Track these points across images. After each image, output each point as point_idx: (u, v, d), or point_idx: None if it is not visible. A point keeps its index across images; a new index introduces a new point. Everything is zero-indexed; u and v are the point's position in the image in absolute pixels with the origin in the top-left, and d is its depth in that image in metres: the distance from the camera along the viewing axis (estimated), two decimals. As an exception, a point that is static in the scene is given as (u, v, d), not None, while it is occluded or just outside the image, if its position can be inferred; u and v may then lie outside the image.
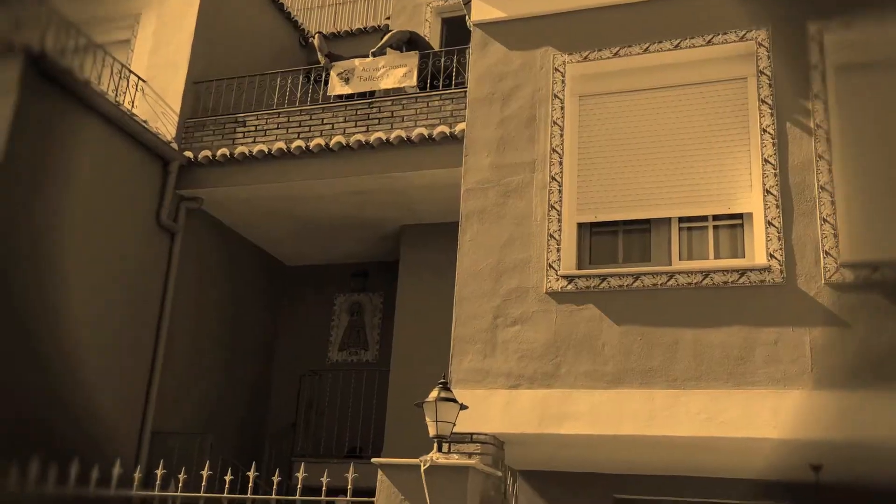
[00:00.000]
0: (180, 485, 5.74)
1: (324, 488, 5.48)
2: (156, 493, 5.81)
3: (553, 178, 6.80)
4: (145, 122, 10.18)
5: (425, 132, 9.33)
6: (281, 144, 9.94)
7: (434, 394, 5.43)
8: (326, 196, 10.29)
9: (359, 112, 9.96)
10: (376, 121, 9.81)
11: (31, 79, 8.58)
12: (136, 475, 6.00)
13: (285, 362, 12.08)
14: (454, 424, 5.48)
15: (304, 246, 11.98)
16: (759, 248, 6.22)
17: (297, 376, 11.51)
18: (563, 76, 7.06)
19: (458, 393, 5.87)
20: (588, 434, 6.16)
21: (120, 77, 10.57)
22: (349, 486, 5.41)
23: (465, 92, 7.87)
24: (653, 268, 6.44)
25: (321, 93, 10.71)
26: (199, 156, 10.28)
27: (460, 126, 8.81)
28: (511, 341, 6.53)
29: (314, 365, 11.69)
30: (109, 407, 9.26)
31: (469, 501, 5.10)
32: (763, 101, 6.45)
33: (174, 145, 10.38)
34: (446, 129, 9.24)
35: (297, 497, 5.54)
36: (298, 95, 10.59)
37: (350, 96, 10.36)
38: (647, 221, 6.78)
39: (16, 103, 8.37)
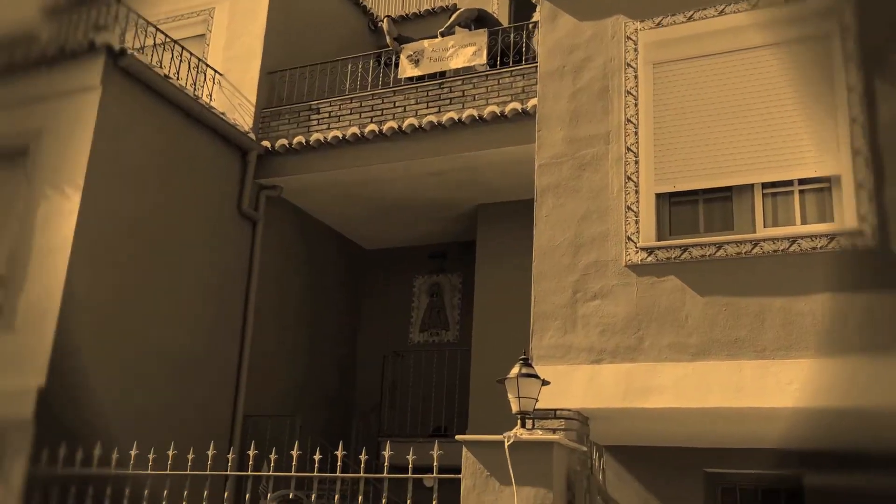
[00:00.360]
0: (272, 465, 5.90)
1: (410, 466, 5.55)
2: (249, 472, 5.99)
3: (629, 149, 6.67)
4: (223, 114, 10.42)
5: (497, 110, 9.27)
6: (355, 129, 10.04)
7: (515, 370, 5.42)
8: (402, 178, 10.36)
9: (430, 93, 9.97)
10: (448, 101, 9.80)
11: (113, 76, 8.88)
12: (230, 456, 6.19)
13: (368, 344, 12.27)
14: (537, 400, 5.47)
15: (381, 229, 12.11)
16: (848, 212, 5.98)
17: (380, 358, 11.67)
18: (636, 44, 6.90)
19: (540, 369, 5.84)
20: (674, 407, 6.05)
21: (197, 71, 10.85)
22: (435, 464, 5.46)
23: (536, 67, 7.78)
24: (736, 236, 6.27)
25: (392, 76, 10.76)
26: (276, 144, 10.49)
27: (532, 102, 8.73)
28: (592, 316, 6.46)
29: (397, 346, 11.83)
30: (204, 392, 9.59)
31: (554, 476, 5.09)
32: (848, 58, 6.17)
33: (252, 135, 10.60)
34: (518, 106, 9.16)
35: (384, 475, 5.63)
36: (370, 80, 10.67)
37: (421, 78, 10.37)
38: (729, 189, 6.58)
39: (99, 100, 8.70)
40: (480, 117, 9.37)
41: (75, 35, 10.29)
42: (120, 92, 8.96)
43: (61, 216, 8.45)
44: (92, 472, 6.42)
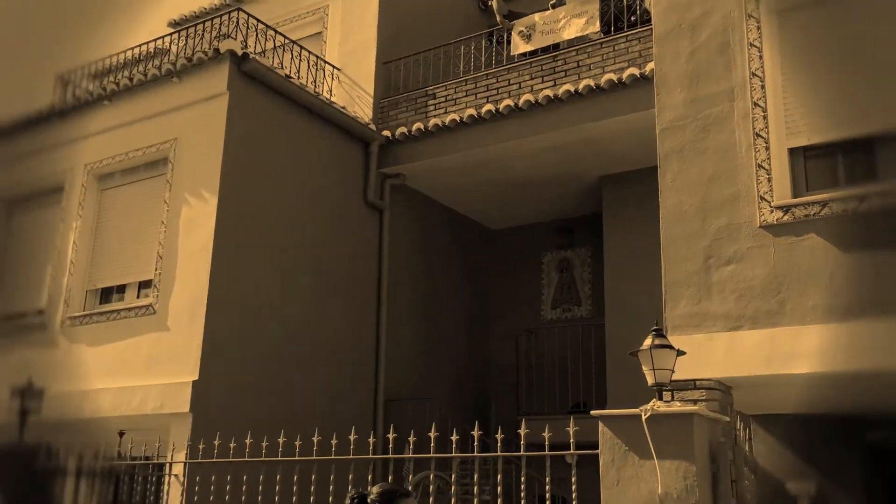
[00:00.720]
0: (411, 447, 6.02)
1: (546, 443, 5.53)
2: (391, 455, 6.13)
3: (756, 105, 6.34)
4: (343, 107, 10.66)
5: (614, 77, 9.04)
6: (471, 111, 10.05)
7: (648, 341, 5.29)
8: (522, 156, 10.29)
9: (544, 67, 9.84)
10: (563, 73, 9.64)
11: (238, 80, 9.24)
12: (371, 440, 6.36)
13: (501, 323, 12.30)
14: (673, 371, 5.32)
15: (506, 208, 12.09)
16: None
17: (513, 336, 11.69)
18: (757, -7, 6.53)
19: (675, 339, 5.68)
20: (823, 372, 5.73)
21: (316, 69, 11.14)
22: (571, 440, 5.42)
23: (651, 29, 7.51)
24: (882, 187, 5.85)
25: (505, 54, 10.69)
26: (396, 133, 10.64)
27: (650, 65, 8.46)
28: (727, 281, 6.20)
29: (529, 324, 11.81)
30: (346, 379, 9.90)
31: (696, 448, 4.94)
32: None
33: (372, 126, 10.81)
34: (636, 71, 8.90)
35: (521, 453, 5.64)
36: (483, 60, 10.64)
37: (534, 52, 10.26)
38: (870, 137, 6.15)
39: (227, 105, 9.08)
40: (597, 87, 9.16)
41: (201, 45, 10.79)
42: (245, 95, 9.32)
43: (201, 219, 8.90)
44: (245, 459, 6.75)
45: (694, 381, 6.05)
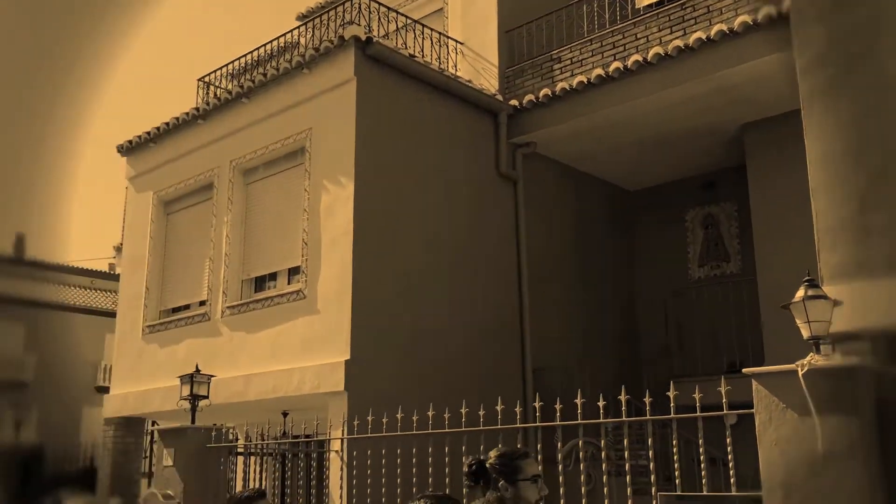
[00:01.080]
0: (558, 414, 5.99)
1: (697, 405, 5.37)
2: (538, 424, 6.13)
3: (907, 31, 5.84)
4: (469, 81, 10.65)
5: (748, 19, 8.56)
6: (599, 71, 9.79)
7: (800, 293, 5.00)
8: (655, 112, 9.94)
9: (672, 17, 9.45)
10: (692, 21, 9.22)
11: (364, 65, 9.42)
12: (517, 409, 6.38)
13: (647, 286, 12.02)
14: (830, 323, 5.01)
15: (643, 167, 11.74)
16: None
17: (661, 299, 11.38)
18: None
19: (832, 289, 5.35)
20: None
21: (440, 45, 11.19)
22: (724, 401, 5.23)
23: (785, -39, 7.07)
24: None
25: (630, 7, 10.32)
26: (524, 101, 10.52)
27: (787, 2, 7.93)
28: (887, 225, 5.78)
29: (677, 285, 11.48)
30: (494, 351, 9.97)
31: (860, 403, 4.64)
32: None
33: (499, 97, 10.74)
34: (772, 10, 8.38)
35: (671, 416, 5.50)
36: (607, 17, 10.32)
37: (660, 2, 9.86)
38: None
39: (356, 90, 9.28)
40: (731, 31, 8.70)
41: (326, 34, 11.07)
42: (372, 79, 9.49)
43: (340, 204, 9.17)
44: (398, 433, 6.94)
45: (856, 332, 5.69)
